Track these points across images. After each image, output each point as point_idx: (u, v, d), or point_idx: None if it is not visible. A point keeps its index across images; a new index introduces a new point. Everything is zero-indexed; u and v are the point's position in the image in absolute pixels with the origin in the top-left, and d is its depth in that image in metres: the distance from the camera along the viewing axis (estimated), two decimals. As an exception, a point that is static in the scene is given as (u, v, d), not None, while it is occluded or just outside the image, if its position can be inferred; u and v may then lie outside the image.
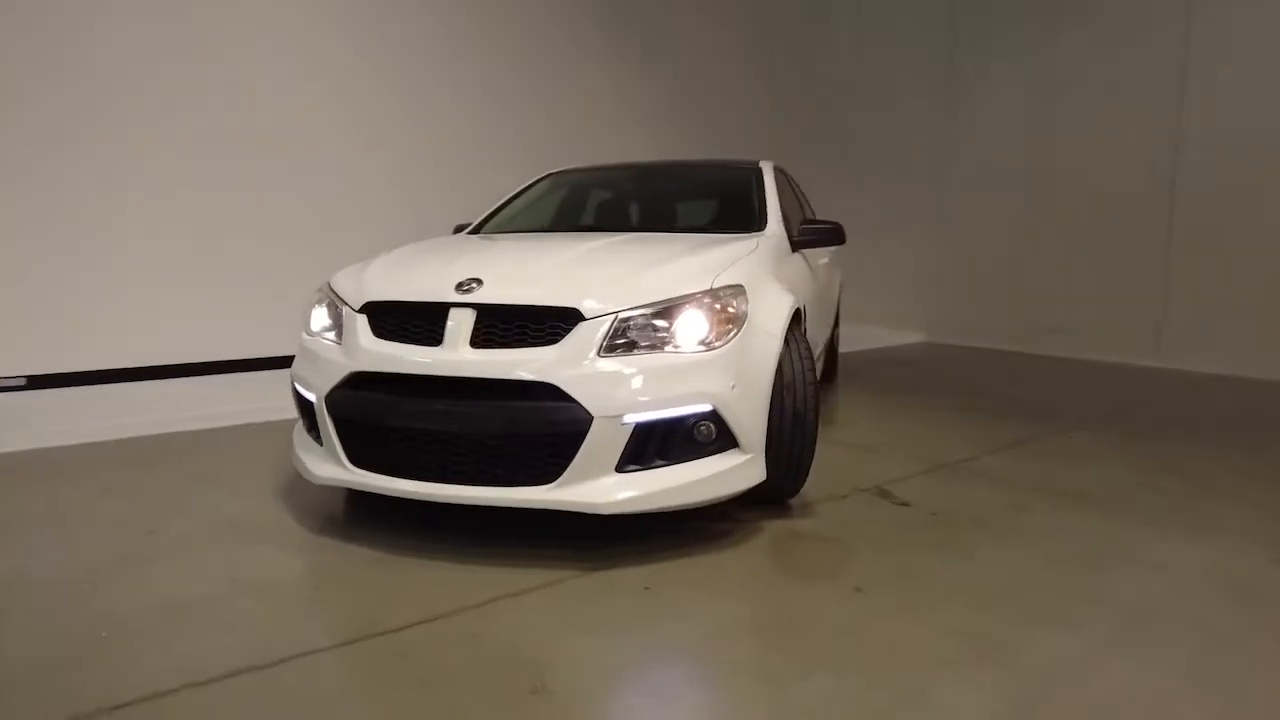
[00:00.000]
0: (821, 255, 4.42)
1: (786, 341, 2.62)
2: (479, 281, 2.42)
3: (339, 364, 2.47)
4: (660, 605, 2.06)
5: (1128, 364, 6.17)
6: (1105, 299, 6.47)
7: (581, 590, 2.14)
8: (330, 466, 2.49)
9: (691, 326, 2.37)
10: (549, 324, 2.31)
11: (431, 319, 2.40)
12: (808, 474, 2.71)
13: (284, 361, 4.68)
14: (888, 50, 8.13)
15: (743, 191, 3.70)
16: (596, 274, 2.52)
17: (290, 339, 2.94)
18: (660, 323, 2.35)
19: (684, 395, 2.29)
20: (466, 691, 1.66)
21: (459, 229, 3.93)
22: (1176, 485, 3.12)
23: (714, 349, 2.36)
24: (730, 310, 2.44)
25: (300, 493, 2.88)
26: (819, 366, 4.68)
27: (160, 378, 4.88)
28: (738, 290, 2.50)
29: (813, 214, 5.49)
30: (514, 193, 4.16)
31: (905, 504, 2.88)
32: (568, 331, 2.29)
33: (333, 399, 2.45)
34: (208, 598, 2.08)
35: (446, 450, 2.30)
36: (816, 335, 4.05)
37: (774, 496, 2.72)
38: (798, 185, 5.21)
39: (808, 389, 2.61)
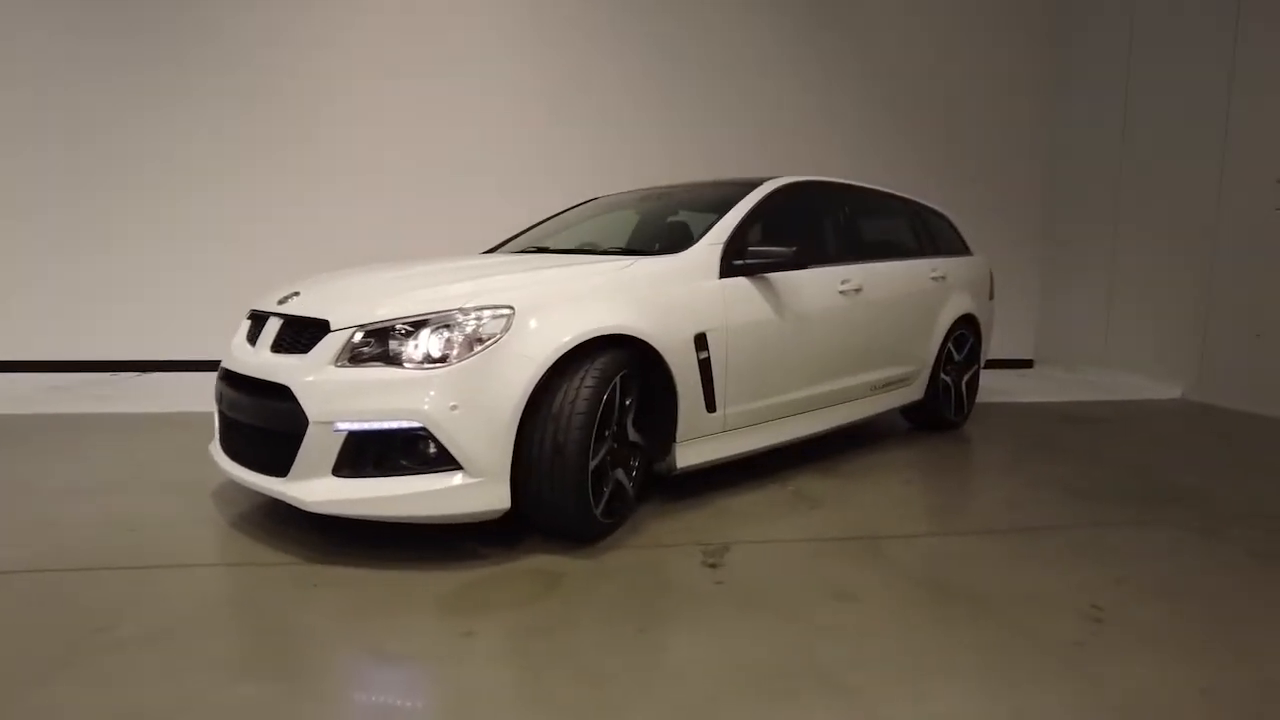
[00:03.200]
0: (880, 280, 3.88)
1: (574, 369, 2.50)
2: (297, 294, 2.77)
3: (222, 361, 3.01)
4: (296, 602, 2.18)
5: None
6: None
7: (266, 578, 2.35)
8: (214, 447, 3.04)
9: (424, 344, 2.41)
10: (309, 334, 2.56)
11: (261, 325, 2.80)
12: (583, 510, 2.52)
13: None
14: (1160, 50, 6.44)
15: (709, 212, 3.46)
16: (371, 290, 2.69)
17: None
18: (398, 338, 2.45)
19: (393, 410, 2.35)
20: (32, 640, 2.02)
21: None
22: (1147, 621, 2.18)
23: (441, 367, 2.38)
24: (479, 330, 2.43)
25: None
26: (881, 406, 4.07)
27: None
28: (499, 311, 2.47)
29: (950, 240, 4.78)
30: (554, 213, 4.40)
31: (713, 566, 2.49)
32: (318, 341, 2.51)
33: (216, 389, 3.00)
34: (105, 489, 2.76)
35: (240, 436, 2.69)
36: (825, 370, 3.58)
37: (556, 532, 2.60)
38: (910, 204, 4.59)
39: (574, 419, 2.45)
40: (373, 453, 2.40)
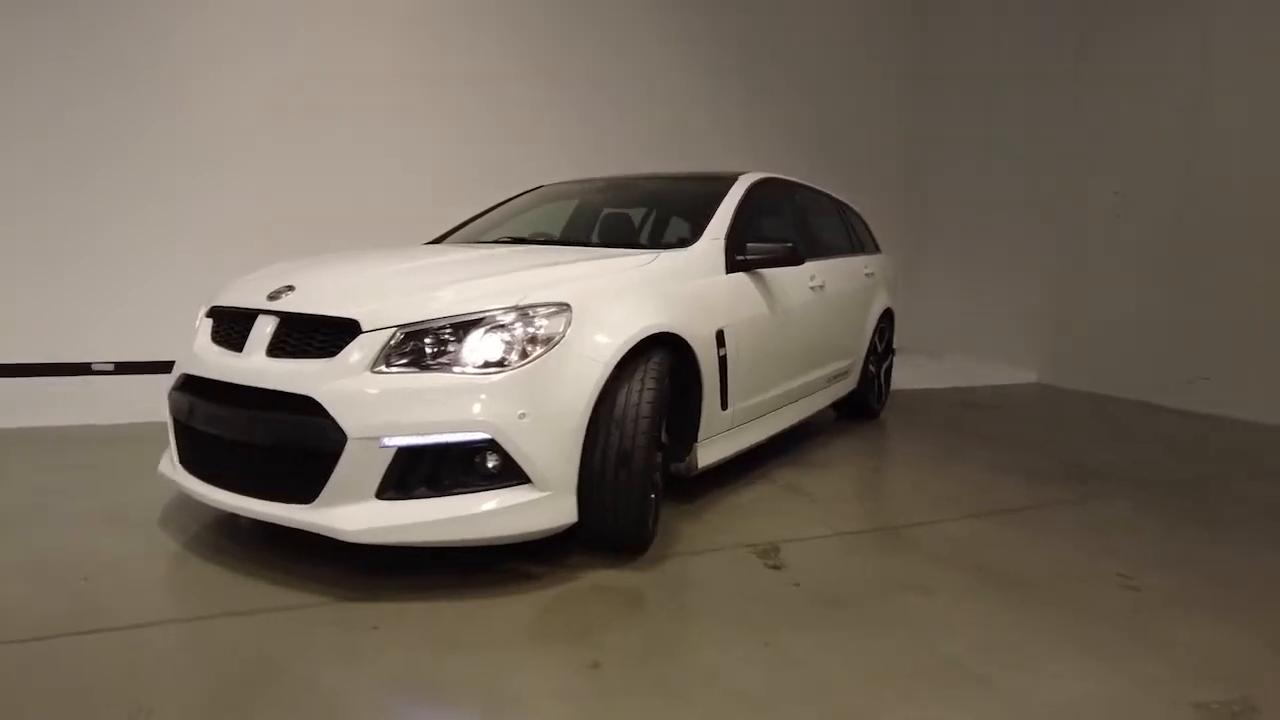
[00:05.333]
0: (833, 276, 3.98)
1: (631, 371, 2.35)
2: (290, 289, 2.38)
3: (179, 365, 2.53)
4: (369, 648, 1.88)
5: (1272, 425, 4.98)
6: (1262, 347, 5.27)
7: (309, 619, 2.01)
8: (167, 463, 2.56)
9: (481, 345, 2.17)
10: (333, 336, 2.21)
11: (244, 325, 2.38)
12: (645, 520, 2.39)
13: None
14: (1017, 49, 7.21)
15: (698, 206, 3.39)
16: (399, 285, 2.39)
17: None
18: (449, 340, 2.18)
19: (456, 421, 2.09)
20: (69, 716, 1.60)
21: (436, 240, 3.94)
22: (1166, 588, 2.42)
23: (504, 371, 2.14)
24: (537, 330, 2.22)
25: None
26: (830, 398, 4.22)
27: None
28: (557, 309, 2.27)
29: (868, 237, 5.01)
30: (496, 204, 4.12)
31: (777, 568, 2.46)
32: (346, 344, 2.18)
33: (171, 398, 2.52)
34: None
35: (231, 458, 2.27)
36: (798, 365, 3.64)
37: (609, 544, 2.44)
38: (840, 204, 4.76)
39: (640, 424, 2.31)
40: (424, 470, 2.12)
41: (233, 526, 2.59)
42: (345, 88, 5.84)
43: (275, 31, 5.61)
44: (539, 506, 2.17)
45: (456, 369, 2.14)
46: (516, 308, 2.23)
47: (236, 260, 5.43)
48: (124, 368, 5.34)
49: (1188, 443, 4.58)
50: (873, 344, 4.72)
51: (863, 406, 4.77)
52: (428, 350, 2.16)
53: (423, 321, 2.18)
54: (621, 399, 2.32)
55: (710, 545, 2.62)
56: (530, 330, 2.21)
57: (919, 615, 2.17)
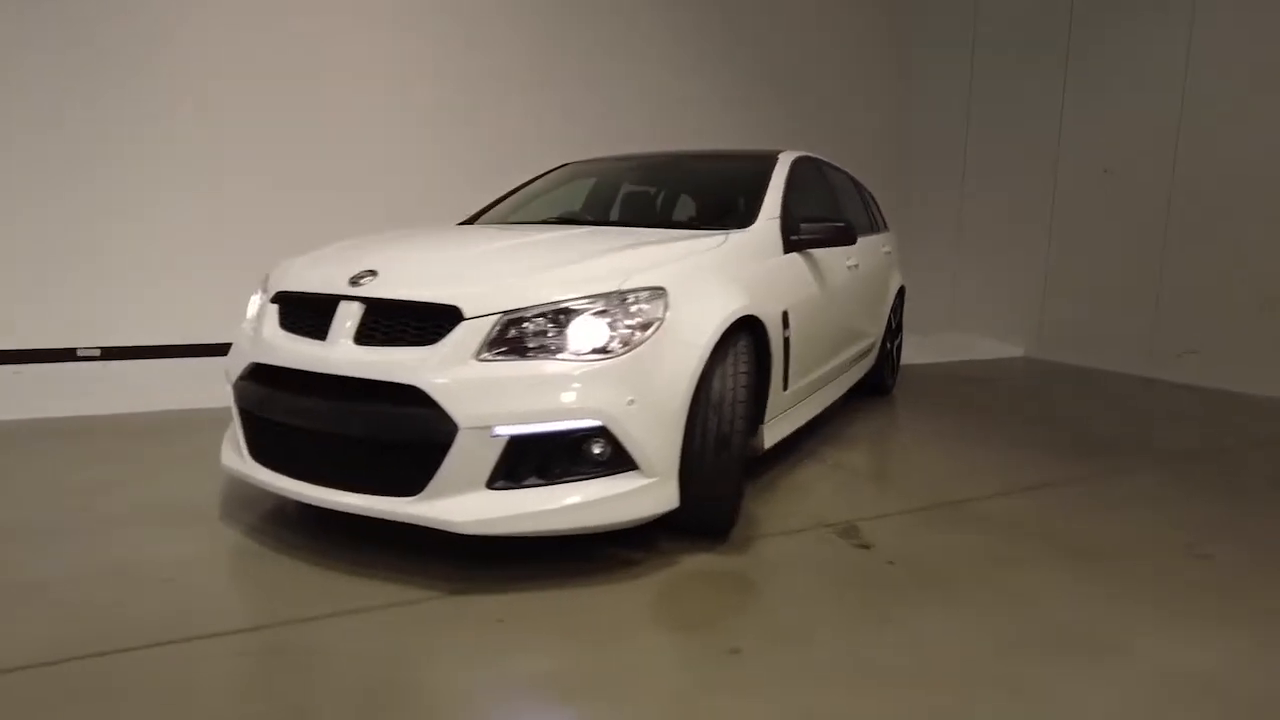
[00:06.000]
0: (862, 256, 4.00)
1: (722, 354, 2.33)
2: (373, 274, 2.29)
3: (246, 353, 2.41)
4: (505, 644, 1.84)
5: (1264, 396, 5.23)
6: (1247, 320, 5.51)
7: (430, 615, 1.96)
8: (233, 455, 2.45)
9: (586, 331, 2.12)
10: (431, 322, 2.14)
11: (324, 312, 2.28)
12: (736, 503, 2.40)
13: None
14: (1001, 27, 7.32)
15: (745, 185, 3.37)
16: (494, 270, 2.32)
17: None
18: (552, 326, 2.12)
19: (568, 409, 2.05)
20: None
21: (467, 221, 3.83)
22: (1234, 555, 2.53)
23: (611, 358, 2.10)
24: (639, 315, 2.18)
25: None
26: (857, 375, 4.27)
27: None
28: (655, 293, 2.23)
29: (879, 215, 5.05)
30: (522, 183, 4.03)
31: (865, 547, 2.49)
32: (448, 331, 2.11)
33: (238, 388, 2.40)
34: (66, 578, 2.07)
35: (317, 450, 2.19)
36: (837, 344, 3.66)
37: (699, 528, 2.43)
38: (857, 183, 4.78)
39: (737, 408, 2.30)
40: (534, 459, 2.07)
41: (300, 519, 2.50)
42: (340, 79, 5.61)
43: (265, 16, 5.34)
44: (646, 493, 2.15)
45: (561, 356, 2.09)
46: (619, 292, 2.18)
47: (232, 245, 5.22)
48: (110, 353, 5.08)
49: (1187, 415, 4.77)
50: (889, 321, 4.78)
51: (878, 383, 4.84)
52: (531, 337, 2.11)
53: (526, 308, 2.12)
54: (717, 382, 2.30)
55: (788, 527, 2.63)
56: (632, 315, 2.17)
57: (1020, 587, 2.22)
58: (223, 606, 1.99)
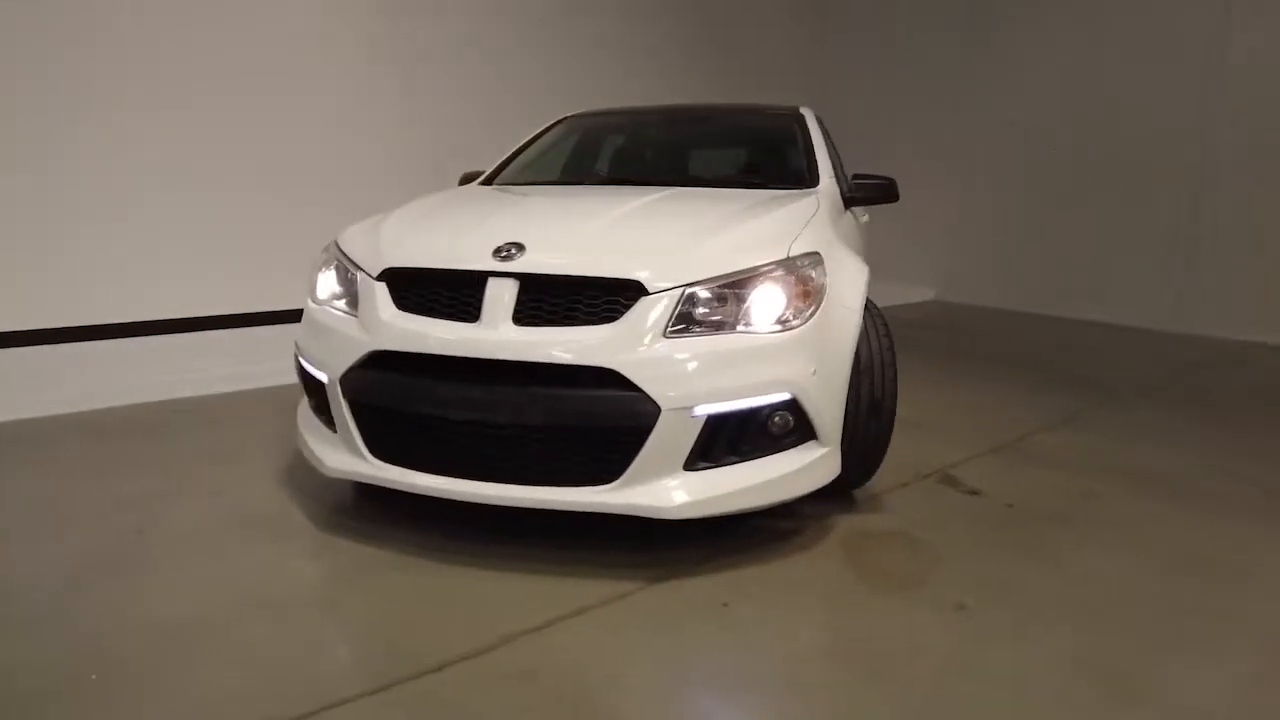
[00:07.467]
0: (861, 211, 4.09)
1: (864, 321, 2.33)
2: (519, 246, 2.08)
3: (356, 340, 2.12)
4: (744, 630, 1.79)
5: (1146, 328, 5.96)
6: (1128, 262, 6.22)
7: (651, 608, 1.87)
8: (346, 457, 2.17)
9: (768, 302, 2.05)
10: (604, 298, 1.98)
11: (464, 290, 2.05)
12: (879, 465, 2.45)
13: (276, 317, 4.26)
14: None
15: (786, 140, 3.35)
16: (655, 239, 2.18)
17: (282, 291, 2.58)
18: (731, 298, 2.04)
19: (762, 383, 1.99)
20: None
21: (467, 178, 3.54)
22: (1257, 471, 2.90)
23: (792, 328, 2.05)
24: (808, 283, 2.13)
25: (305, 477, 2.57)
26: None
27: (129, 335, 4.47)
28: (815, 259, 2.18)
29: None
30: (528, 139, 3.76)
31: (975, 493, 2.63)
32: (627, 308, 1.96)
33: (350, 381, 2.11)
34: (211, 621, 1.78)
35: (485, 443, 1.99)
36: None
37: (839, 488, 2.45)
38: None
39: (886, 371, 2.33)
40: (727, 437, 2.00)
41: (415, 520, 2.26)
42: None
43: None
44: (823, 462, 2.14)
45: (743, 327, 2.02)
46: (789, 259, 2.12)
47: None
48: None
49: (1118, 350, 5.34)
50: (859, 273, 4.96)
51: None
52: (714, 310, 2.01)
53: (707, 279, 2.01)
54: (863, 347, 2.31)
55: (892, 481, 2.69)
56: (802, 282, 2.12)
57: (1133, 518, 2.44)
58: (432, 630, 1.76)
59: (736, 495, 1.99)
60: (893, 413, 2.34)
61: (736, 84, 7.58)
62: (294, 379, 2.43)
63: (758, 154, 3.51)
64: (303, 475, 2.60)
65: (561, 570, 2.01)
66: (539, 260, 2.04)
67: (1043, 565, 2.12)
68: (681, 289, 1.98)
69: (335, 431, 2.21)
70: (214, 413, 3.37)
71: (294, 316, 4.08)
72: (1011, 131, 6.90)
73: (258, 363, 3.84)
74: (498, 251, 2.07)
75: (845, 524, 2.35)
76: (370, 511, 2.35)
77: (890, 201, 3.33)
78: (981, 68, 7.08)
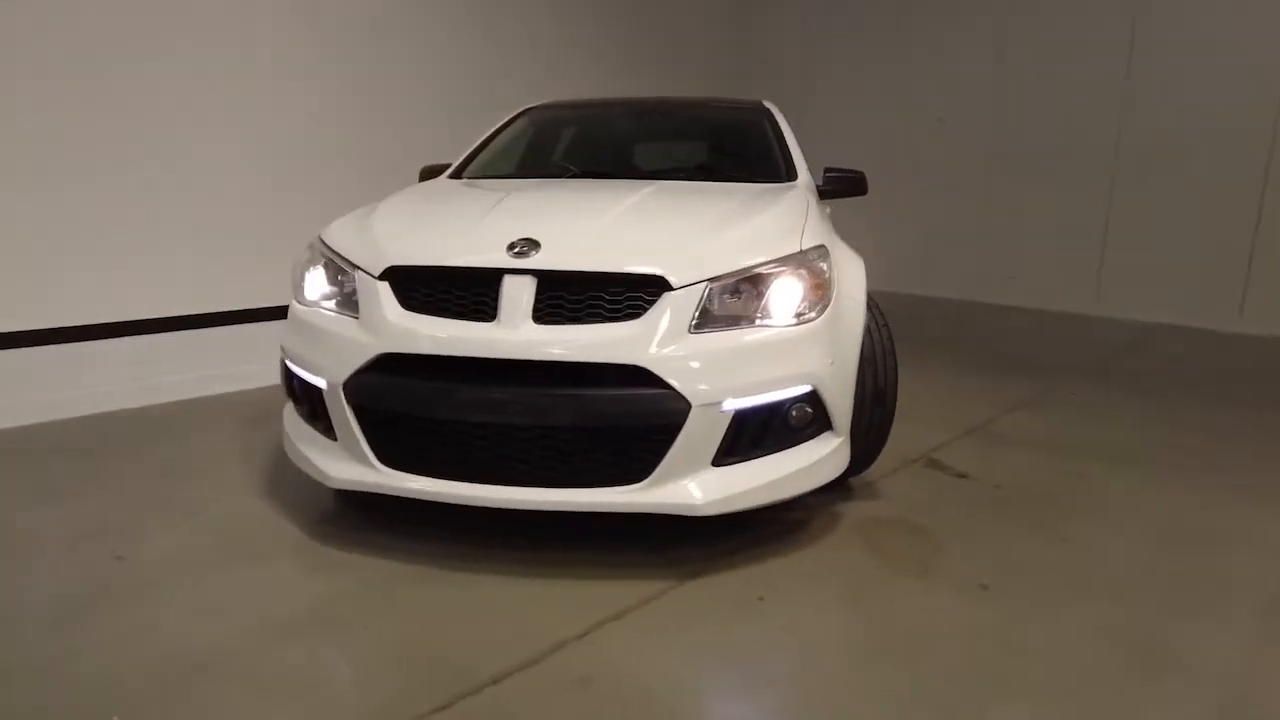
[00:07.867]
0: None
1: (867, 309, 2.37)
2: (533, 243, 2.01)
3: (360, 343, 2.01)
4: (782, 623, 1.80)
5: (1070, 312, 6.31)
6: (1049, 248, 6.56)
7: (688, 606, 1.85)
8: (352, 467, 2.05)
9: (786, 296, 2.05)
10: (626, 295, 1.95)
11: (475, 288, 1.98)
12: (880, 453, 2.49)
13: (222, 319, 3.98)
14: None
15: (758, 134, 3.37)
16: (669, 235, 2.15)
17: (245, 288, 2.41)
18: (751, 291, 2.03)
19: (786, 376, 1.99)
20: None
21: (430, 171, 3.41)
22: (1234, 439, 3.12)
23: (809, 321, 2.06)
24: (820, 276, 2.15)
25: (289, 489, 2.43)
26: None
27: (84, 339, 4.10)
28: (823, 252, 2.20)
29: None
30: (492, 131, 3.66)
31: (963, 475, 2.72)
32: (650, 304, 1.93)
33: (355, 386, 2.00)
34: (230, 650, 1.65)
35: (506, 447, 1.92)
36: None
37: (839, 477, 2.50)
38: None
39: (888, 360, 2.38)
40: (752, 431, 2.00)
41: (418, 526, 2.17)
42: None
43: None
44: (838, 453, 2.17)
45: (766, 322, 2.02)
46: (801, 253, 2.13)
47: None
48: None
49: (1048, 334, 5.62)
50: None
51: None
52: (735, 304, 2.01)
53: (729, 274, 2.00)
54: (865, 338, 2.35)
55: (879, 467, 2.74)
56: (814, 275, 2.14)
57: (1116, 494, 2.58)
58: (478, 642, 1.69)
59: (762, 489, 2.00)
60: (894, 400, 2.39)
61: (662, 72, 7.53)
62: (251, 385, 2.29)
63: (733, 148, 3.51)
64: (280, 487, 2.46)
65: (586, 573, 1.97)
66: (558, 257, 1.98)
67: (1050, 543, 2.21)
68: (706, 284, 1.97)
69: (335, 440, 2.10)
70: (162, 423, 3.15)
71: (241, 318, 3.88)
72: (936, 125, 7.17)
73: (209, 369, 3.60)
74: (511, 247, 2.00)
75: (852, 512, 2.39)
76: (361, 522, 2.24)
77: (859, 194, 3.42)
78: (914, 66, 7.33)
